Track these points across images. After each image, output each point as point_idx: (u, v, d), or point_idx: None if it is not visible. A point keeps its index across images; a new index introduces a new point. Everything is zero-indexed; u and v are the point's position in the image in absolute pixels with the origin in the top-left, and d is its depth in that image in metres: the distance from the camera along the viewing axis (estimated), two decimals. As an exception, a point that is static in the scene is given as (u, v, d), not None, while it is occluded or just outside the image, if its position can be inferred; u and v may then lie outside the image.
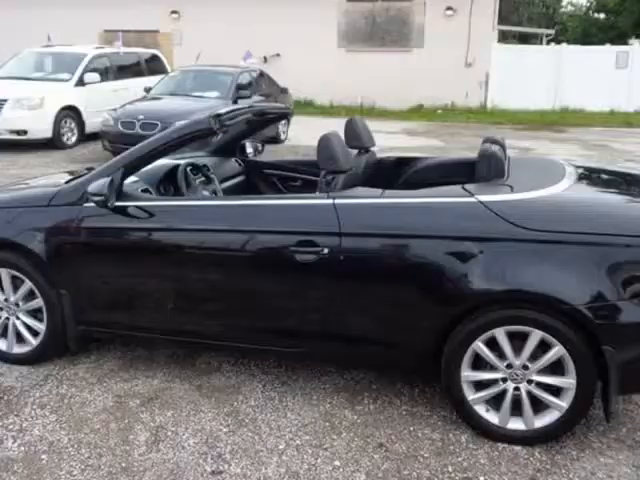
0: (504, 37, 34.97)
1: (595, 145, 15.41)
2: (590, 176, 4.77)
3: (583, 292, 3.50)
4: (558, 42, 27.50)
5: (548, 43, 26.65)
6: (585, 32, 43.40)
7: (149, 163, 4.50)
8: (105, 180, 4.12)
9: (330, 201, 3.91)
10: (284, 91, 16.08)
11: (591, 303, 3.47)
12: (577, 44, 31.95)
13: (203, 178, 5.24)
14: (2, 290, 4.58)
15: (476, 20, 21.35)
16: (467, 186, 3.92)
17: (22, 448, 3.69)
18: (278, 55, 22.46)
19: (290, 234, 3.91)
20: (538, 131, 17.88)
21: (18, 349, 4.62)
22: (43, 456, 3.62)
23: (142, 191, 4.53)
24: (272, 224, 4.01)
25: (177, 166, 4.99)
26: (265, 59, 21.98)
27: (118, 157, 4.42)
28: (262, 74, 15.49)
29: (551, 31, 28.47)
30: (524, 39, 34.62)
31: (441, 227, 3.73)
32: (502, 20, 36.28)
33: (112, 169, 4.29)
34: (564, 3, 50.06)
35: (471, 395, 3.79)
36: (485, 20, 21.52)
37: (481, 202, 3.70)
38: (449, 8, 21.63)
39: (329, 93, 22.21)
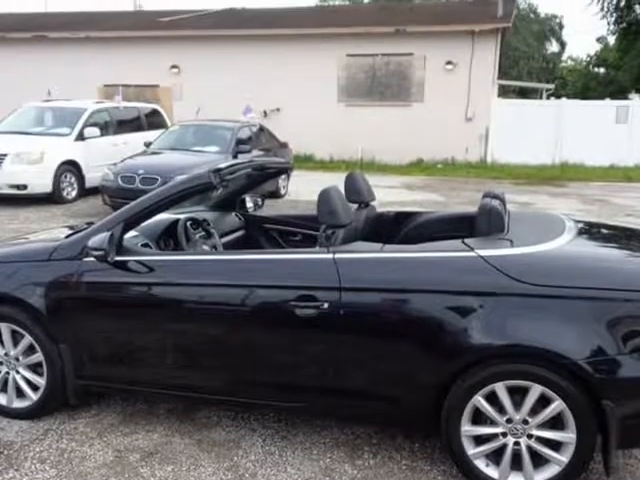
0: (504, 91, 35.35)
1: (595, 200, 15.46)
2: (590, 231, 4.83)
3: (583, 346, 3.51)
4: (558, 96, 27.82)
5: (548, 97, 26.88)
6: (585, 86, 43.92)
7: (149, 218, 4.54)
8: (105, 235, 4.17)
9: (330, 255, 3.95)
10: (284, 145, 16.17)
11: (591, 357, 3.48)
12: (577, 98, 32.32)
13: (203, 233, 5.28)
14: (2, 344, 4.59)
15: (476, 74, 21.51)
16: (467, 240, 3.97)
17: (22, 504, 3.67)
18: (278, 110, 22.65)
19: (290, 289, 3.94)
20: (538, 185, 17.95)
21: (18, 403, 4.62)
22: (43, 513, 3.60)
23: (142, 245, 4.57)
24: (272, 279, 4.04)
25: (177, 220, 5.03)
26: (265, 113, 22.17)
27: (118, 212, 4.47)
28: (262, 128, 15.61)
29: (551, 85, 28.69)
30: (524, 93, 34.98)
31: (441, 282, 3.77)
32: (502, 75, 36.70)
33: (112, 224, 4.34)
34: (564, 57, 50.71)
35: (471, 449, 3.78)
36: (485, 74, 21.65)
37: (481, 257, 3.75)
38: (449, 62, 21.79)
39: (329, 147, 22.33)
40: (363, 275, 3.91)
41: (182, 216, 5.11)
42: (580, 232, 4.38)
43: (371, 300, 3.88)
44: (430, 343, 3.75)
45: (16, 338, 4.54)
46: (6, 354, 4.59)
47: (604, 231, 5.04)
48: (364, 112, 22.52)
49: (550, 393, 3.56)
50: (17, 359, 4.57)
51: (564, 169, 21.24)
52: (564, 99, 24.87)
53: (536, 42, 44.25)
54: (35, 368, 4.56)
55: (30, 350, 4.51)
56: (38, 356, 4.48)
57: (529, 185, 18.02)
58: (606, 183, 18.83)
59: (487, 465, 3.79)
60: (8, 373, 4.62)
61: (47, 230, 6.49)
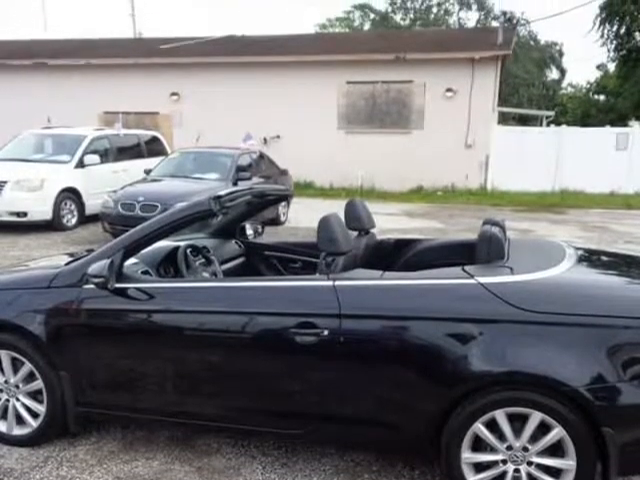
0: (504, 119, 35.48)
1: (595, 227, 15.49)
2: (590, 258, 4.85)
3: (582, 374, 3.53)
4: (558, 124, 27.87)
5: (548, 125, 26.99)
6: (585, 113, 44.04)
7: (149, 245, 4.58)
8: (105, 262, 4.19)
9: (330, 283, 3.97)
10: (284, 172, 16.21)
11: (591, 385, 3.50)
12: (577, 125, 32.30)
13: (203, 260, 5.30)
14: (2, 372, 4.60)
15: (476, 102, 21.60)
16: (467, 268, 3.99)
17: (22, 533, 3.67)
18: (278, 137, 22.76)
19: (290, 316, 3.96)
20: (538, 213, 17.98)
21: (18, 431, 4.62)
22: (42, 540, 3.59)
23: (142, 273, 4.59)
24: (272, 306, 4.06)
25: (177, 248, 5.06)
26: (265, 140, 22.27)
27: (118, 239, 4.50)
28: (262, 156, 15.62)
29: (551, 113, 28.80)
30: (524, 120, 35.12)
31: (441, 309, 3.79)
32: (503, 102, 36.81)
33: (112, 251, 4.37)
34: (564, 84, 50.95)
35: (471, 477, 3.79)
36: (485, 102, 21.75)
37: (481, 284, 3.77)
38: (449, 90, 21.86)
39: (329, 174, 22.36)
40: (363, 302, 3.93)
41: (182, 243, 5.13)
42: (580, 259, 4.41)
43: (371, 327, 3.90)
44: (430, 370, 3.76)
45: (16, 365, 4.55)
46: (6, 381, 4.60)
47: (604, 258, 5.05)
48: (364, 139, 22.63)
49: (550, 420, 3.57)
50: (17, 386, 4.58)
51: (564, 196, 21.29)
52: (564, 126, 24.93)
53: (536, 69, 44.51)
54: (35, 395, 4.56)
55: (30, 377, 4.52)
56: (38, 383, 4.49)
57: (529, 212, 18.07)
58: (606, 210, 18.88)
59: (487, 492, 3.79)
60: (8, 400, 4.63)
61: (47, 257, 6.51)
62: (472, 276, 3.85)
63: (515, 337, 3.65)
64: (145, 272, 4.65)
